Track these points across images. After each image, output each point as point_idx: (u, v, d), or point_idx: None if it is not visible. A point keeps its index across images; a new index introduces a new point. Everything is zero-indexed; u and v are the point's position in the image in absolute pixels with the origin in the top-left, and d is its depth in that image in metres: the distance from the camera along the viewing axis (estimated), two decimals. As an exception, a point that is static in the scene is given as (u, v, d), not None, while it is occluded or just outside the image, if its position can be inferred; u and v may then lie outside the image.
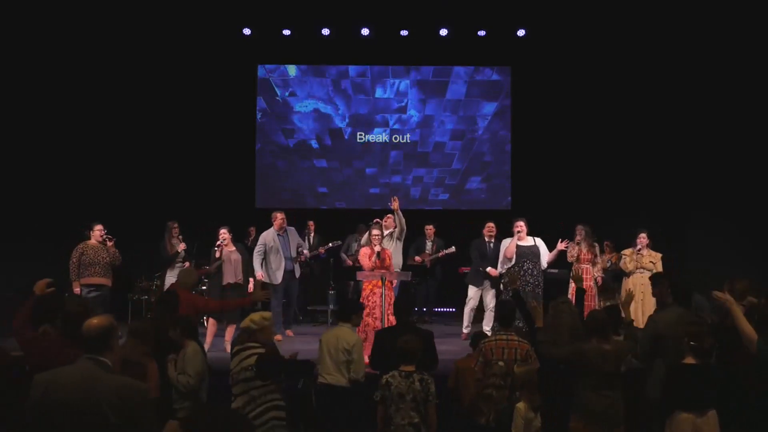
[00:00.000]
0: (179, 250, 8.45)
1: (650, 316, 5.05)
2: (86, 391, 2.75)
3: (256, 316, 4.59)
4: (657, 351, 4.63)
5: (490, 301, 8.29)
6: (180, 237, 8.60)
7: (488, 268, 8.14)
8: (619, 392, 4.17)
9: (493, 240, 8.40)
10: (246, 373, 4.36)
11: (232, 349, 4.68)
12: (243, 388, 4.36)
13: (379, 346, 5.07)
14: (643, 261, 7.79)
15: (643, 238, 7.86)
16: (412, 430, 4.25)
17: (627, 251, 7.97)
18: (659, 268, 7.70)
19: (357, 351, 4.97)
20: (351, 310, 5.30)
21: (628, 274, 7.86)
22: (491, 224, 8.50)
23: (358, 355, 4.96)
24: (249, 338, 4.52)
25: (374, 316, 7.01)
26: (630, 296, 5.28)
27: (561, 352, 4.29)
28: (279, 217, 8.49)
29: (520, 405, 4.28)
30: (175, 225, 8.76)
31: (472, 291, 8.37)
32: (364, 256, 7.43)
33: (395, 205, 7.79)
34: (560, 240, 7.83)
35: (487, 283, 8.29)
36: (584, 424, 4.07)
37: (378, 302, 7.00)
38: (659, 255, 7.86)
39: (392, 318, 7.03)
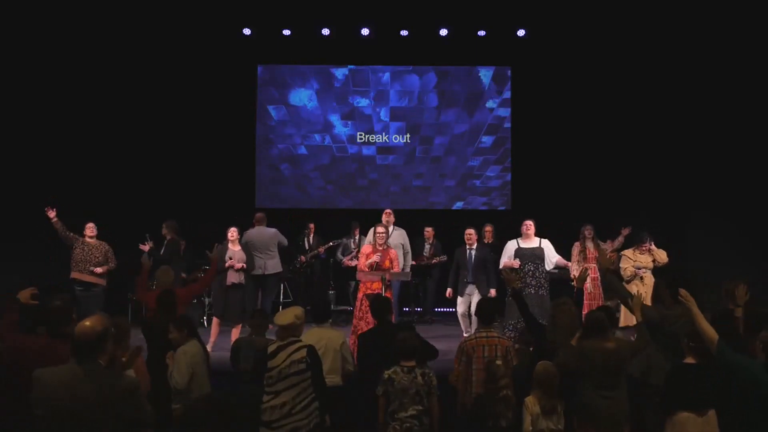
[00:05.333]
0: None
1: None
2: (85, 392, 2.86)
3: (297, 310, 4.55)
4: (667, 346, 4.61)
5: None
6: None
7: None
8: (623, 392, 4.14)
9: (474, 247, 8.13)
10: (299, 366, 4.34)
11: (267, 349, 4.49)
12: (293, 381, 4.33)
13: (364, 348, 5.15)
14: (642, 260, 7.70)
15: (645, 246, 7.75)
16: (416, 423, 4.33)
17: (628, 251, 7.88)
18: (664, 259, 7.66)
19: (346, 346, 5.14)
20: (329, 314, 5.31)
21: (627, 280, 7.66)
22: (470, 231, 8.19)
23: (347, 349, 5.14)
24: (292, 333, 4.48)
25: (367, 320, 6.83)
26: (640, 298, 5.25)
27: (561, 359, 4.26)
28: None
29: (529, 399, 4.20)
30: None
31: (459, 298, 8.20)
32: (363, 256, 7.32)
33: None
34: (576, 262, 7.87)
35: (472, 290, 8.04)
36: (589, 426, 4.03)
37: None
38: (663, 252, 7.74)
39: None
